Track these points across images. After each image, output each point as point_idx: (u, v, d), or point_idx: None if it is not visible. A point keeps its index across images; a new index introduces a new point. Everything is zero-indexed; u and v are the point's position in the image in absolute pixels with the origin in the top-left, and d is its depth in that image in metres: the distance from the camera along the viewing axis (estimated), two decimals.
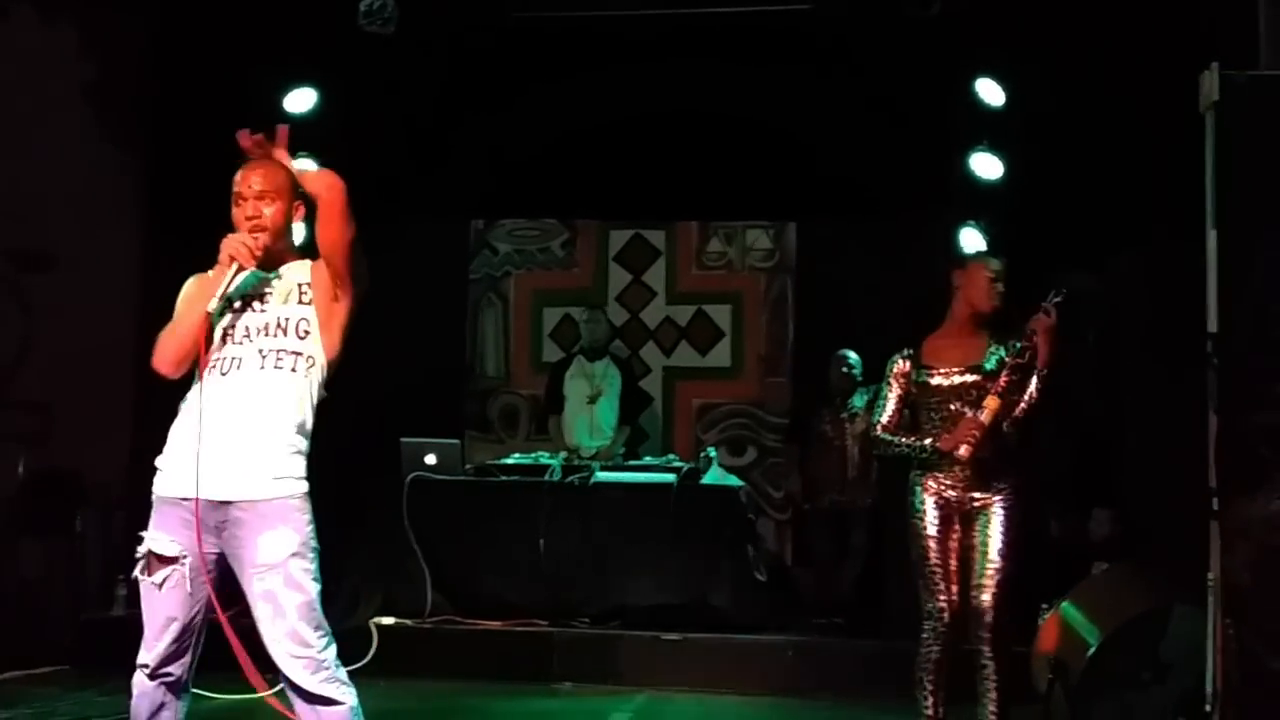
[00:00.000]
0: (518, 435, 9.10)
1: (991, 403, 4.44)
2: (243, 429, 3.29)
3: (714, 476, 7.38)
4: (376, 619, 6.83)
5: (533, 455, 7.69)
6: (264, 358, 3.34)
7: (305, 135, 8.11)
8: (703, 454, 7.64)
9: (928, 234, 7.80)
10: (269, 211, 3.40)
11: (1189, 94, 4.36)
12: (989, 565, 4.48)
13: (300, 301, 3.42)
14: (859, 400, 7.68)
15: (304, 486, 3.33)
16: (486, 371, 9.29)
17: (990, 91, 7.74)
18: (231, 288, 3.35)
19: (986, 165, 7.86)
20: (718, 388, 9.07)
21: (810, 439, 7.88)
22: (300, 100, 8.20)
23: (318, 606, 3.29)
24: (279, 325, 3.38)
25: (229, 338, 3.38)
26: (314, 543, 3.32)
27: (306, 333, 3.39)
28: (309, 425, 3.39)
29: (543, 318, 9.28)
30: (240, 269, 3.34)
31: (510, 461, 7.63)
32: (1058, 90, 7.33)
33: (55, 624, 6.77)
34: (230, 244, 3.34)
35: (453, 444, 7.55)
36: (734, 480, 7.48)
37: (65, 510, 6.95)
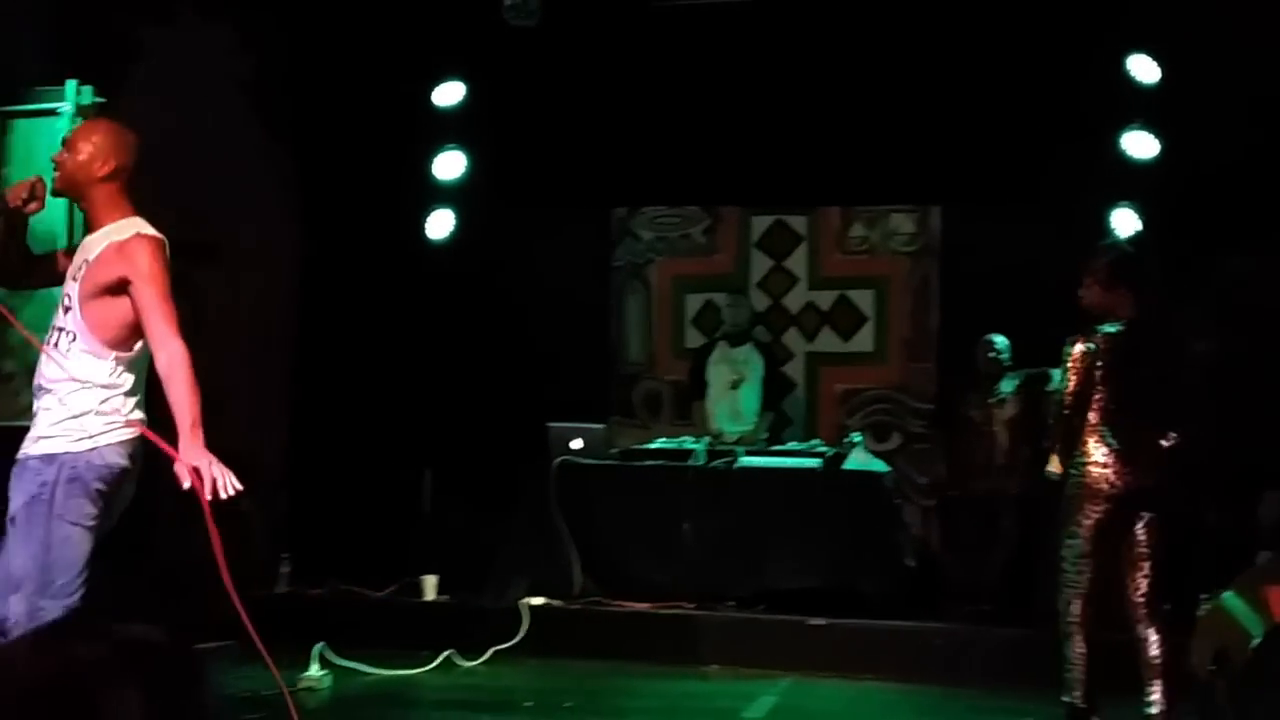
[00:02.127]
0: (661, 420, 9.15)
1: None
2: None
3: (858, 462, 7.35)
4: (527, 599, 6.97)
5: (677, 440, 7.74)
6: (53, 332, 3.59)
7: (453, 128, 8.42)
8: (847, 439, 7.61)
9: (1078, 216, 7.63)
10: (67, 156, 3.62)
11: None
12: None
13: (73, 278, 3.58)
14: (1007, 385, 7.57)
15: (46, 448, 3.49)
16: (630, 357, 9.34)
17: (1144, 68, 7.54)
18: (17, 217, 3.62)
19: (1140, 144, 7.64)
20: (861, 373, 8.99)
21: (957, 425, 7.79)
22: (448, 93, 8.39)
23: (27, 568, 3.44)
24: (63, 300, 3.60)
25: None
26: (52, 506, 3.46)
27: (67, 309, 3.57)
28: (77, 397, 3.52)
29: (685, 304, 9.30)
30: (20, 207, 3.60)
31: (655, 446, 7.70)
32: (1213, 65, 7.12)
33: (223, 601, 7.03)
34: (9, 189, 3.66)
35: (598, 429, 7.65)
36: (879, 465, 7.44)
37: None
